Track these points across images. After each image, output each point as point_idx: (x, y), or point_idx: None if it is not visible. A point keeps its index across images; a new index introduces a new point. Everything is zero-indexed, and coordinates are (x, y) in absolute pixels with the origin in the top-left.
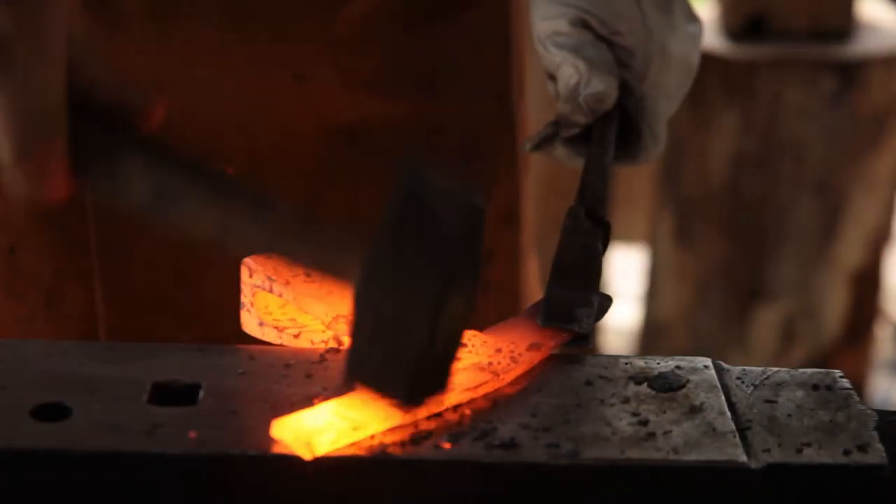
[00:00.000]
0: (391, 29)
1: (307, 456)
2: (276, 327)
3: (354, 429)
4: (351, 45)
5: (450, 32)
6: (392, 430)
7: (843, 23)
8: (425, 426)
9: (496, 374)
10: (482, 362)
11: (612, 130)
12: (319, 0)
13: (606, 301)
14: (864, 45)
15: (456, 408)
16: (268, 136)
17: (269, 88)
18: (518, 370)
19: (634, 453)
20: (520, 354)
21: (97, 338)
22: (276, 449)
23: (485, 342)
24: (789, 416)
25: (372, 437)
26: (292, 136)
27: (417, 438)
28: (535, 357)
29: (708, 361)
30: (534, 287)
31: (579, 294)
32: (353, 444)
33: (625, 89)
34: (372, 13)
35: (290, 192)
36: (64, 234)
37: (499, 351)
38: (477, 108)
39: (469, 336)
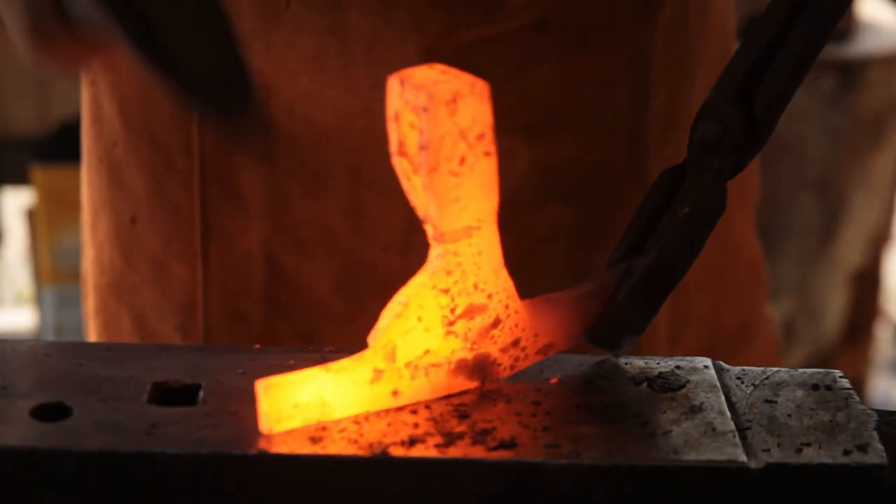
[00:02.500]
0: (493, 64)
1: (265, 430)
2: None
3: (322, 407)
4: None
5: (569, 71)
6: (389, 428)
7: (843, 23)
8: (424, 427)
9: (483, 379)
10: (473, 360)
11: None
12: (418, 28)
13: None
14: (864, 45)
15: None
16: (369, 154)
17: (365, 107)
18: (506, 374)
19: (634, 453)
20: (525, 358)
21: (196, 319)
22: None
23: (514, 325)
24: (789, 415)
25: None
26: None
27: (417, 438)
28: (536, 359)
29: (708, 361)
30: None
31: (633, 319)
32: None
33: None
34: (468, 51)
35: (392, 216)
36: (174, 214)
37: (515, 343)
38: (597, 151)
39: (510, 310)
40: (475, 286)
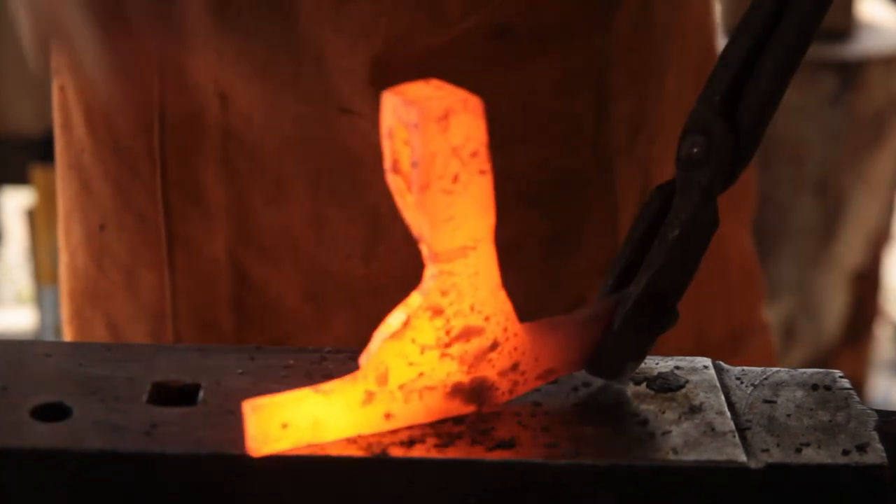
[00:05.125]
0: (449, 73)
1: (254, 452)
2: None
3: (313, 429)
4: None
5: (526, 78)
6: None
7: (843, 23)
8: (424, 427)
9: (481, 403)
10: (470, 383)
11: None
12: (367, 36)
13: (672, 318)
14: (864, 45)
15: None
16: (328, 163)
17: (320, 116)
18: (505, 399)
19: (634, 453)
20: (525, 382)
21: (166, 327)
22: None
23: (513, 349)
24: (789, 416)
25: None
26: (351, 163)
27: (416, 439)
28: (536, 384)
29: (707, 361)
30: None
31: (631, 347)
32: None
33: None
34: (421, 60)
35: (354, 224)
36: (141, 221)
37: (514, 367)
38: (559, 157)
39: (508, 333)
40: (472, 308)
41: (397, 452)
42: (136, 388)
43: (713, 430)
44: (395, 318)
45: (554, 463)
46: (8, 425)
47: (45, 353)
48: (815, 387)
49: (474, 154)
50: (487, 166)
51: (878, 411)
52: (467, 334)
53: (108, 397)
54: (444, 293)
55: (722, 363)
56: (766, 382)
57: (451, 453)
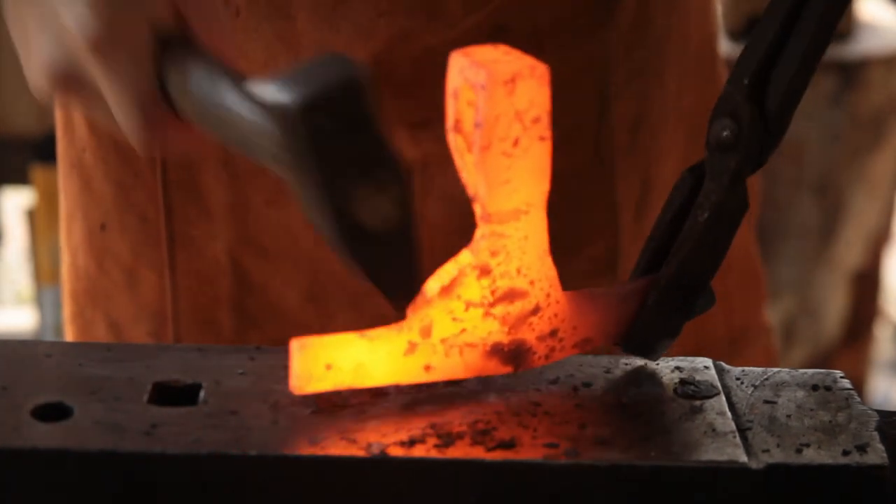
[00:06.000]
0: (445, 77)
1: (296, 389)
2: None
3: (355, 372)
4: (400, 85)
5: None
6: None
7: (842, 23)
8: (424, 427)
9: (517, 365)
10: (509, 344)
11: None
12: (366, 36)
13: (709, 301)
14: (864, 45)
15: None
16: None
17: None
18: (541, 363)
19: (634, 453)
20: (561, 349)
21: (167, 327)
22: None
23: (554, 315)
24: (789, 416)
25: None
26: None
27: (416, 439)
28: (572, 352)
29: (708, 362)
30: None
31: (665, 325)
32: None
33: None
34: (420, 59)
35: None
36: (141, 221)
37: (553, 334)
38: (559, 157)
39: (551, 299)
40: (518, 271)
41: (397, 453)
42: (137, 388)
43: (714, 430)
44: (444, 273)
45: (554, 463)
46: (8, 425)
47: (45, 353)
48: (815, 387)
49: (536, 120)
50: (548, 133)
51: (879, 411)
52: (511, 296)
53: (108, 397)
54: (493, 254)
55: (723, 364)
56: (766, 383)
57: (451, 453)
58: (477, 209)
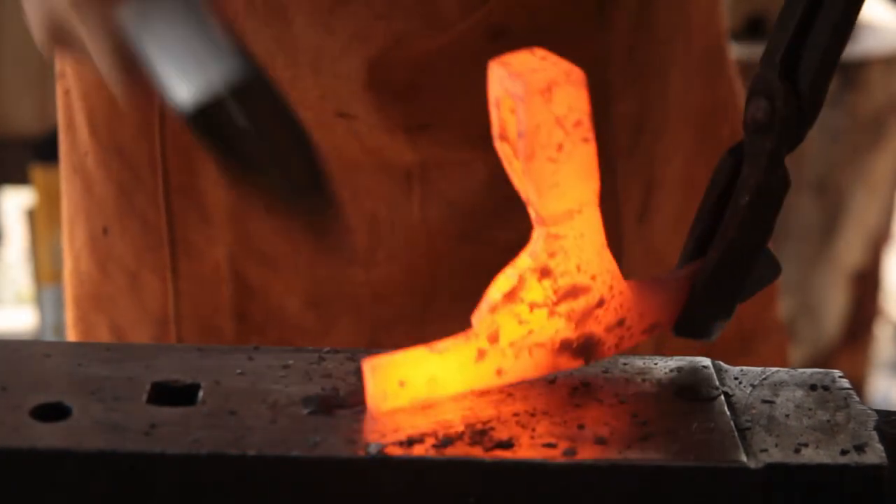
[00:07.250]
0: (447, 76)
1: (379, 407)
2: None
3: (429, 385)
4: (398, 89)
5: None
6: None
7: None
8: (424, 427)
9: (588, 358)
10: (577, 339)
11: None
12: (363, 40)
13: (774, 272)
14: (864, 45)
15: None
16: (326, 166)
17: (316, 121)
18: (611, 353)
19: (634, 453)
20: (630, 337)
21: (169, 330)
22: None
23: (619, 306)
24: (788, 416)
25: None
26: (349, 169)
27: (415, 439)
28: (642, 338)
29: (707, 361)
30: None
31: (718, 306)
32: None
33: None
34: (419, 62)
35: (353, 230)
36: (143, 226)
37: (620, 323)
38: None
39: (614, 291)
40: (578, 268)
41: (396, 452)
42: (136, 388)
43: (712, 430)
44: (505, 279)
45: (553, 463)
46: (8, 425)
47: (44, 354)
48: (814, 387)
49: (577, 124)
50: (590, 134)
51: (878, 411)
52: (574, 293)
53: (107, 397)
54: (551, 255)
55: (721, 363)
56: (765, 382)
57: (451, 453)
58: (531, 213)
